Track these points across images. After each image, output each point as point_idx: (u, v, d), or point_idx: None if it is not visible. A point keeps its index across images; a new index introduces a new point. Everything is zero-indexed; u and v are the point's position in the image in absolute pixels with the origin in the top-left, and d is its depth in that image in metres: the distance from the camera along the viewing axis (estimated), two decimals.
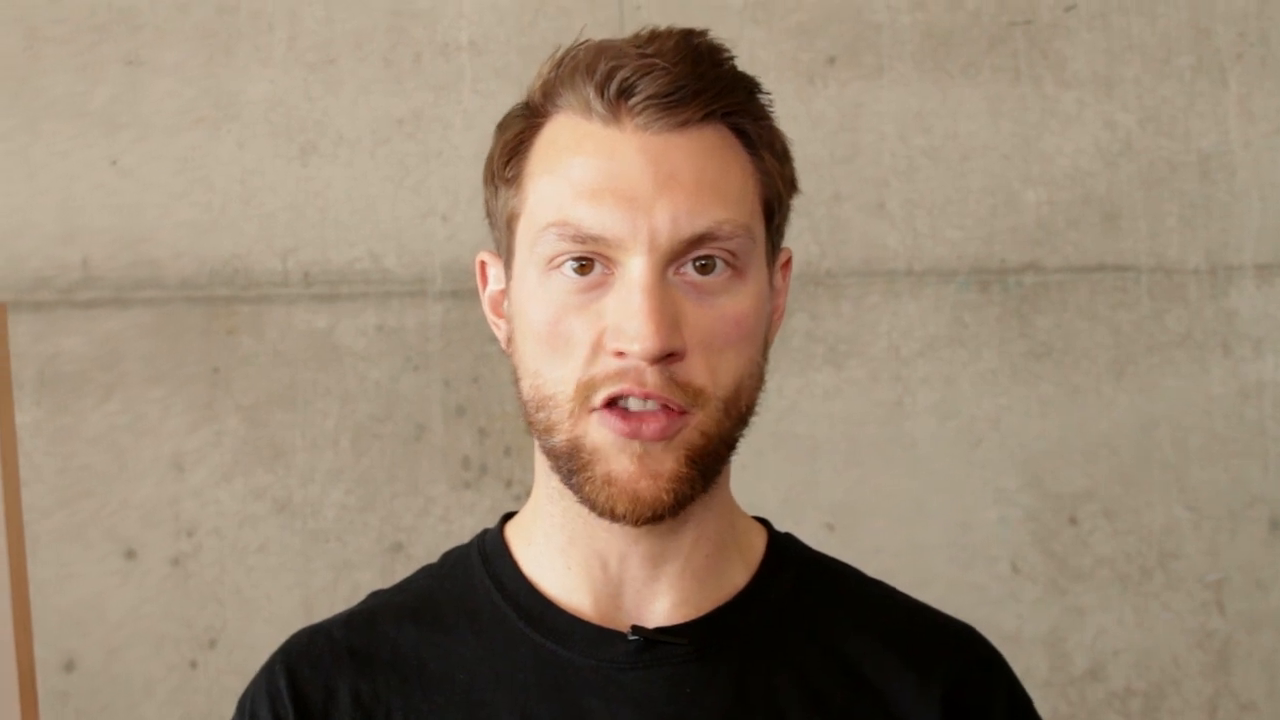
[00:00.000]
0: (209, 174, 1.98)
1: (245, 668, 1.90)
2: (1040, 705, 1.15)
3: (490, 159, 1.07)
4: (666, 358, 0.98)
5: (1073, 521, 2.07)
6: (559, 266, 1.00)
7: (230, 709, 1.12)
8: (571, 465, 1.01)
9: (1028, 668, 2.03)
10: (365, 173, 2.00)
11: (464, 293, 1.99)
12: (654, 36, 1.02)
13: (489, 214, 1.08)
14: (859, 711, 1.06)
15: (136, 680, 1.94)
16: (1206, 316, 2.09)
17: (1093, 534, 2.07)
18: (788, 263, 1.09)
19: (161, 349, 1.96)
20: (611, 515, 1.00)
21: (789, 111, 2.05)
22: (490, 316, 1.10)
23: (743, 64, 1.06)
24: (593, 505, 1.00)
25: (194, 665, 1.95)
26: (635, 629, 1.04)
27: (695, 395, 0.99)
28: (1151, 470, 2.08)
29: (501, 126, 1.07)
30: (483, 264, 1.10)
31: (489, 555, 1.11)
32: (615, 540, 1.05)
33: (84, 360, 1.95)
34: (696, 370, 0.99)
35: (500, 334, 1.08)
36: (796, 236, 2.02)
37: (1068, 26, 2.09)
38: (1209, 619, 2.07)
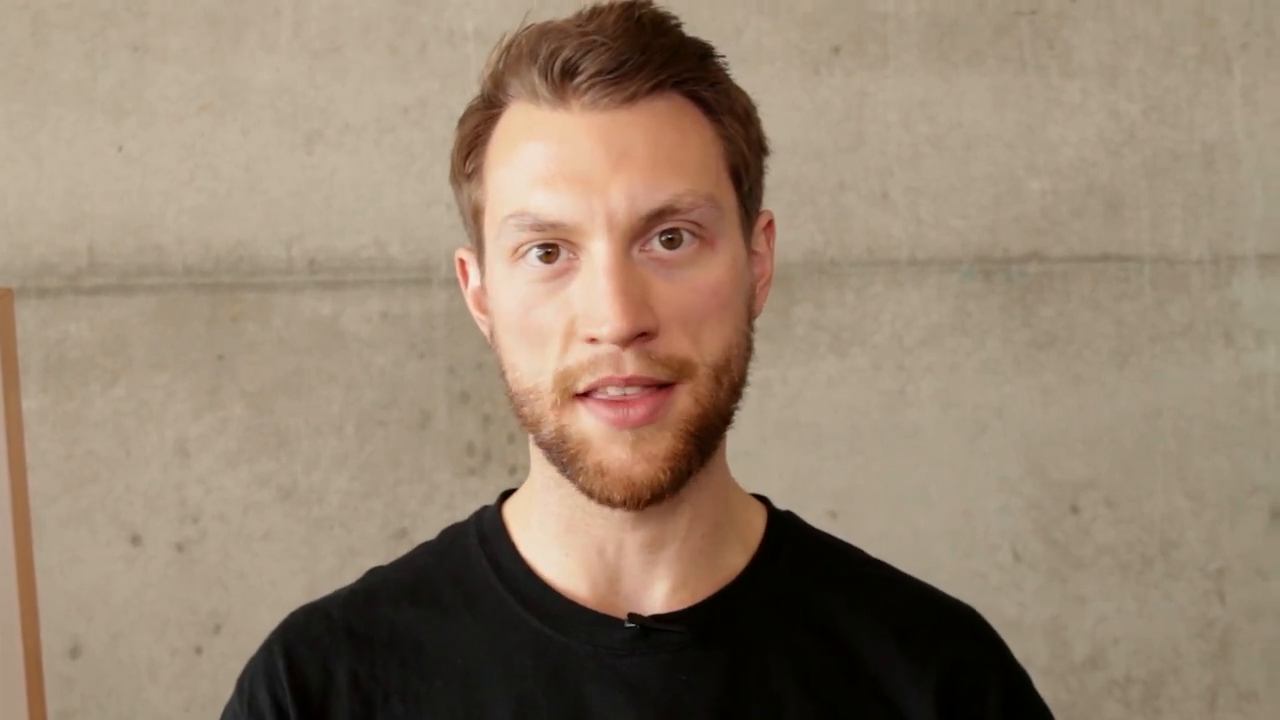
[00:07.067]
0: (214, 161, 1.98)
1: (250, 653, 1.91)
2: (1040, 693, 1.16)
3: (452, 155, 1.06)
4: (639, 338, 0.96)
5: (1074, 510, 2.07)
6: (524, 256, 0.99)
7: None
8: (562, 456, 1.00)
9: (1028, 655, 2.03)
10: (370, 160, 2.00)
11: None
12: (595, 13, 1.00)
13: (460, 211, 1.07)
14: (853, 696, 1.05)
15: (141, 665, 1.95)
16: (1209, 306, 2.09)
17: (1094, 522, 2.07)
18: (770, 225, 1.07)
19: (166, 335, 1.97)
20: (609, 502, 0.99)
21: (793, 101, 2.05)
22: (475, 314, 1.08)
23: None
24: (590, 494, 1.00)
25: (199, 651, 1.96)
26: (632, 617, 1.04)
27: (680, 367, 0.98)
28: (1153, 459, 2.08)
29: (460, 122, 1.05)
30: (462, 261, 1.09)
31: (487, 536, 1.10)
32: (612, 528, 1.04)
33: (89, 346, 1.95)
34: (677, 342, 0.98)
35: (485, 329, 1.07)
36: (800, 225, 2.02)
37: (1072, 16, 2.09)
38: (1209, 608, 2.08)
